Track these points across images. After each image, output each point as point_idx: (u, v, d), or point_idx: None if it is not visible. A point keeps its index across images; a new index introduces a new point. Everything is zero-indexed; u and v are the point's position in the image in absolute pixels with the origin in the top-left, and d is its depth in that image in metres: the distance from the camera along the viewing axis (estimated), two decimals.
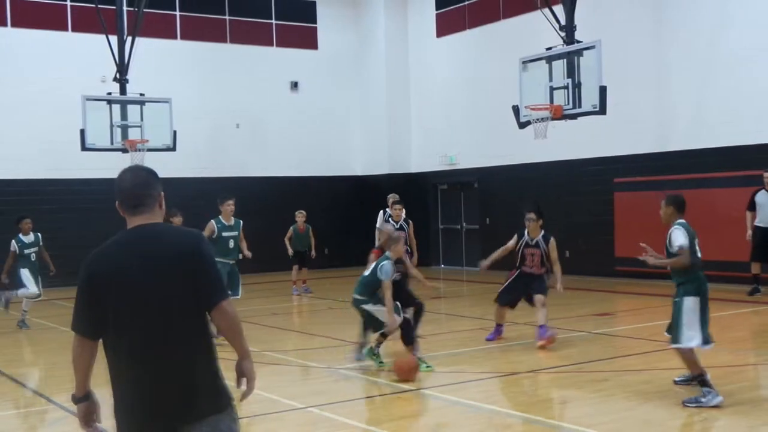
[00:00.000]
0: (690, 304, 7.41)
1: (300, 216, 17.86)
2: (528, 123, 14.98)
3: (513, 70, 15.69)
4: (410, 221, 13.48)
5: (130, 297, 3.45)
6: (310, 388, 8.82)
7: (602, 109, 13.95)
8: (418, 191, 23.30)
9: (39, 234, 13.86)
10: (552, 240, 10.72)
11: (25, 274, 13.45)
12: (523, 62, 15.25)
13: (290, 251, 17.69)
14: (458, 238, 23.53)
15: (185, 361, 3.48)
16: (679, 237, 7.46)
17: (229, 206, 12.05)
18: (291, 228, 17.92)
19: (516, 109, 15.15)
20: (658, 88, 17.96)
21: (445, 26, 23.52)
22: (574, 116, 14.55)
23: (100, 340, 3.56)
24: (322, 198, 23.27)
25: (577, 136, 17.70)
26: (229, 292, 12.01)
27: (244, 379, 3.70)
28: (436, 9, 23.74)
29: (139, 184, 3.63)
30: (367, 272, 9.34)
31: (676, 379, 8.03)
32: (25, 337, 13.04)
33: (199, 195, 19.57)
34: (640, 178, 17.95)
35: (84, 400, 3.67)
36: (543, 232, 10.75)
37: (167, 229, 3.65)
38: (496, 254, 10.83)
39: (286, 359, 10.29)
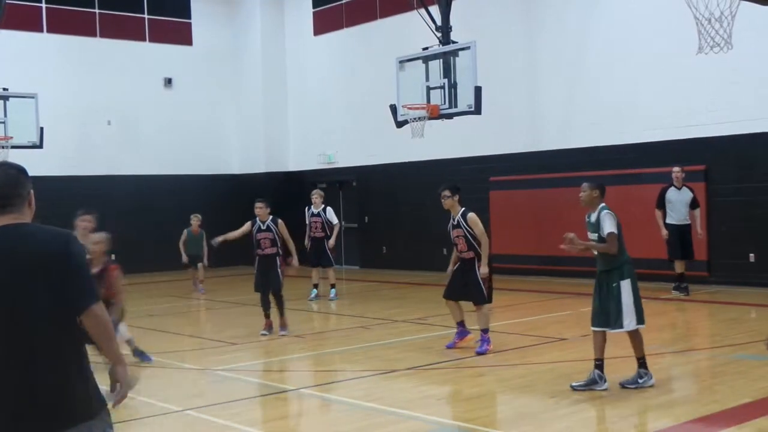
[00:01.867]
0: (627, 287, 7.68)
1: (195, 220, 17.39)
2: (405, 122, 15.11)
3: (390, 69, 15.80)
4: (279, 220, 11.80)
5: None
6: (186, 391, 8.63)
7: (477, 109, 14.19)
8: (297, 190, 23.18)
9: None
10: (470, 215, 9.66)
11: None
12: (400, 62, 15.37)
13: (184, 258, 17.26)
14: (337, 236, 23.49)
15: (53, 366, 3.33)
16: (610, 223, 7.71)
17: (83, 222, 9.24)
18: (185, 231, 17.41)
19: (393, 108, 15.26)
20: (530, 90, 18.49)
21: (323, 24, 23.48)
22: (450, 116, 14.74)
23: None
24: (198, 197, 22.74)
25: (453, 136, 18.02)
26: None
27: (119, 384, 3.60)
28: (313, 7, 23.67)
29: (8, 182, 3.47)
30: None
31: (574, 384, 7.77)
32: None
33: (67, 194, 18.85)
34: (513, 177, 18.41)
35: None
36: (463, 209, 9.71)
37: (36, 229, 3.47)
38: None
39: (162, 362, 10.02)
